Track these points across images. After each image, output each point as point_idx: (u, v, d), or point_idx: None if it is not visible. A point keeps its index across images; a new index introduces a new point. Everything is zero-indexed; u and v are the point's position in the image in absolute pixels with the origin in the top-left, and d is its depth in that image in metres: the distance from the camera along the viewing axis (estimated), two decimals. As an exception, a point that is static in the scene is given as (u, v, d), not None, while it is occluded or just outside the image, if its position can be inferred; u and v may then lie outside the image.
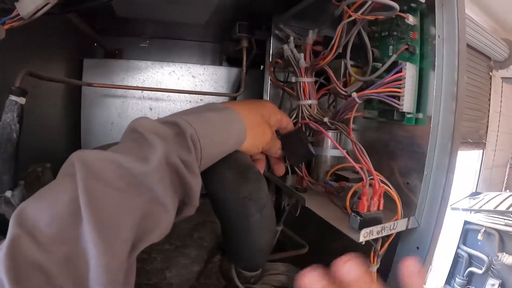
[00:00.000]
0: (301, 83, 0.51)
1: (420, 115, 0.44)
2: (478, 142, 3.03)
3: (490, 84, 3.07)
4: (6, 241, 0.23)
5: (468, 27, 0.59)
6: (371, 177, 0.41)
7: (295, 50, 0.52)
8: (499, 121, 3.34)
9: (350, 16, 0.44)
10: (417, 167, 0.44)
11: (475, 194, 3.17)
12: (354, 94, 0.46)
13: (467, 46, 0.67)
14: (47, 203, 0.25)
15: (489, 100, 3.09)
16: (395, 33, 0.47)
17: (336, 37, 0.46)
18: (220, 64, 0.80)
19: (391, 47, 0.48)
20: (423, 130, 0.44)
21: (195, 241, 0.36)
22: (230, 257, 0.42)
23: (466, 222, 2.93)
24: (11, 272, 0.21)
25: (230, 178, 0.35)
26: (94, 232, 0.24)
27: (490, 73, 3.08)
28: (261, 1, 0.60)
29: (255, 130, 0.42)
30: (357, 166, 0.43)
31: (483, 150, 3.26)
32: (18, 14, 0.35)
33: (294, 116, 0.55)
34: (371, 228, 0.40)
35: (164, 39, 0.79)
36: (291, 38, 0.53)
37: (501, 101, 3.33)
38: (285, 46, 0.52)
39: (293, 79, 0.53)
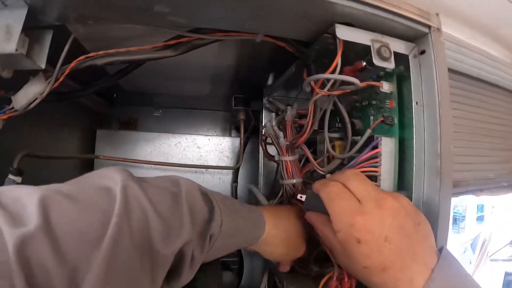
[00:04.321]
0: (283, 162, 0.49)
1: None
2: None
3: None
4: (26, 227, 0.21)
5: (487, 65, 0.53)
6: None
7: (275, 128, 0.50)
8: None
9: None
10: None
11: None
12: (328, 176, 0.42)
13: (489, 84, 0.59)
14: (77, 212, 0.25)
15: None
16: (374, 101, 0.43)
17: (310, 113, 0.43)
18: (230, 133, 0.81)
19: (371, 117, 0.43)
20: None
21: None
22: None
23: (507, 274, 2.56)
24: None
25: None
26: None
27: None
28: (254, 73, 0.60)
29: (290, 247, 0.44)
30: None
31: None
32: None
33: (280, 195, 0.51)
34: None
35: (176, 109, 0.84)
36: (273, 115, 0.52)
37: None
38: (268, 124, 0.51)
39: (276, 158, 0.51)
